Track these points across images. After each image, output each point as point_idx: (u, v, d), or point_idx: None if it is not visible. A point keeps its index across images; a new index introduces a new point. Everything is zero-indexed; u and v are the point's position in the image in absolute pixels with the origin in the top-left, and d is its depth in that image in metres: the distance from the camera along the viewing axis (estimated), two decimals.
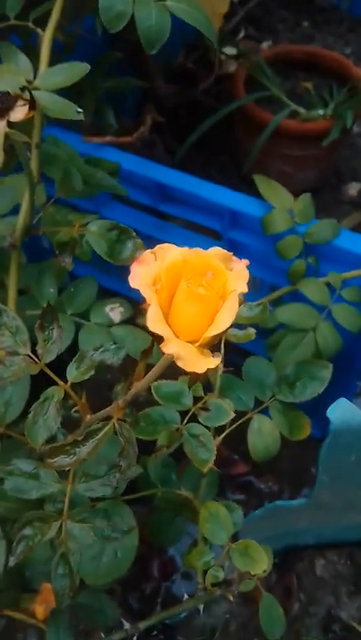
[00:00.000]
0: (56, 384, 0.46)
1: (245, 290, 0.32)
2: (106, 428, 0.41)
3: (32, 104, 0.42)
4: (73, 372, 0.46)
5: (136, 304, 0.69)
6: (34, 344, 0.46)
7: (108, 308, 0.66)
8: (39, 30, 0.58)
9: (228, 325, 0.31)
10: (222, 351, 0.59)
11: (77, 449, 0.41)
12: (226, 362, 0.62)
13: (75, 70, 0.49)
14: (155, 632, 0.76)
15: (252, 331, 0.60)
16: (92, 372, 0.46)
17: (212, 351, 0.33)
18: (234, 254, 0.34)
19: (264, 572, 0.55)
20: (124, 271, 0.54)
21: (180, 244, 0.84)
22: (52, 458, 0.41)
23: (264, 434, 0.63)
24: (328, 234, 0.71)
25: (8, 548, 0.53)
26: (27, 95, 0.44)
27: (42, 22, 0.59)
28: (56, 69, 0.51)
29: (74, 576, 0.47)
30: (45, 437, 0.44)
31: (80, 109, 0.47)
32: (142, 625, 0.61)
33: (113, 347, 0.47)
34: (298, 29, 1.31)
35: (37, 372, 0.45)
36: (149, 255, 0.33)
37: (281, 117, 0.93)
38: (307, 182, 1.04)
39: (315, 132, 0.95)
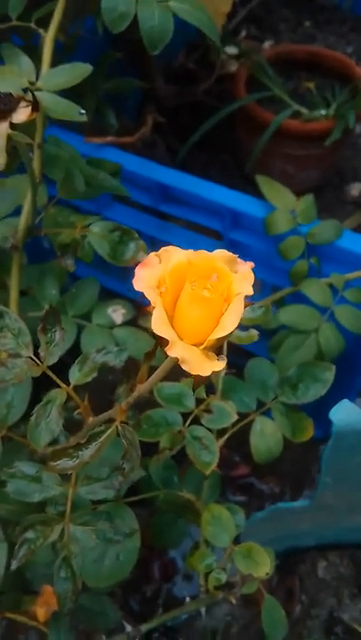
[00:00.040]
0: (58, 386, 0.45)
1: (251, 292, 0.32)
2: (109, 431, 0.41)
3: (35, 105, 0.42)
4: (75, 375, 0.46)
5: (138, 305, 0.69)
6: (36, 346, 0.45)
7: (110, 310, 0.66)
8: (41, 31, 0.58)
9: (233, 328, 0.31)
10: (225, 353, 0.58)
11: (80, 452, 0.41)
12: (228, 363, 0.61)
13: (77, 71, 0.49)
14: (156, 634, 0.76)
15: (254, 332, 0.60)
16: (95, 375, 0.46)
17: (217, 353, 0.33)
18: (235, 254, 0.34)
19: (267, 574, 0.55)
20: (126, 272, 0.54)
21: (181, 244, 0.84)
22: (54, 461, 0.41)
23: (266, 435, 0.63)
24: (330, 234, 0.71)
25: (10, 550, 0.53)
26: (29, 96, 0.44)
27: (43, 23, 0.59)
28: (58, 70, 0.51)
29: (76, 579, 0.47)
30: (48, 440, 0.44)
31: (83, 111, 0.47)
32: (144, 627, 0.61)
33: (115, 349, 0.47)
34: (300, 29, 1.30)
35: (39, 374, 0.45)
36: (153, 258, 0.33)
37: (283, 117, 0.93)
38: (309, 182, 1.04)
39: (317, 132, 0.95)
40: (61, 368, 0.46)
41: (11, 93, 0.42)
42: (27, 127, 0.44)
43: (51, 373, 0.45)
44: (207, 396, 0.61)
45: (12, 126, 0.42)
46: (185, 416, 0.60)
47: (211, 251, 0.34)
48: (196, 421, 0.59)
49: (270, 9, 1.31)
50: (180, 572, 0.86)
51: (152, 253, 0.33)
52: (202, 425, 0.59)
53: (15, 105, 0.42)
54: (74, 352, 0.56)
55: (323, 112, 0.97)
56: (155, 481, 0.63)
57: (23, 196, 0.58)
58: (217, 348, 0.33)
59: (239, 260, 0.34)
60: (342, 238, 0.71)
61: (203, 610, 0.75)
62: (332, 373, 0.62)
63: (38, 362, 0.44)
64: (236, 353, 0.64)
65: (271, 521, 0.65)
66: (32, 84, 0.49)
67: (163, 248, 0.33)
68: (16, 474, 0.49)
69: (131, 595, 0.82)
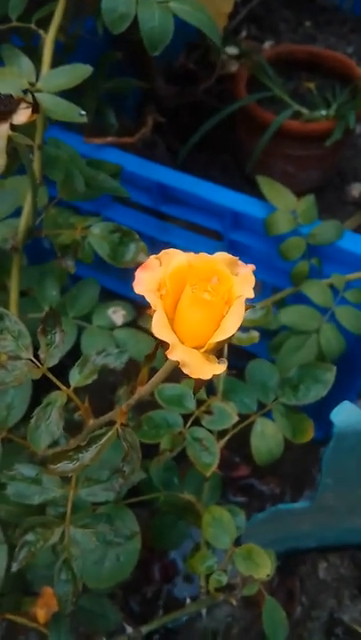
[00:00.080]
0: (58, 388, 0.45)
1: (252, 295, 0.32)
2: (109, 434, 0.40)
3: (35, 107, 0.42)
4: (76, 377, 0.46)
5: (138, 306, 0.69)
6: (36, 348, 0.45)
7: (110, 311, 0.66)
8: (41, 32, 0.58)
9: (234, 331, 0.31)
10: (226, 354, 0.58)
11: (80, 454, 0.40)
12: (229, 364, 0.61)
13: (77, 72, 0.49)
14: (156, 636, 0.76)
15: (255, 334, 0.60)
16: (95, 377, 0.46)
17: (217, 356, 0.33)
18: (235, 255, 0.34)
19: (267, 576, 0.55)
20: (127, 273, 0.54)
21: (181, 245, 0.84)
22: (54, 464, 0.41)
23: (267, 437, 0.63)
24: (331, 235, 0.71)
25: (10, 552, 0.52)
26: (29, 98, 0.43)
27: (44, 24, 0.59)
28: (58, 71, 0.51)
29: (77, 582, 0.47)
30: (48, 442, 0.44)
31: (83, 112, 0.47)
32: (144, 629, 0.61)
33: (116, 351, 0.47)
34: (300, 29, 1.30)
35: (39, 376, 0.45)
36: (154, 261, 0.33)
37: (283, 118, 0.93)
38: (309, 183, 1.04)
39: (317, 133, 0.95)
40: (62, 370, 0.46)
41: (11, 95, 0.42)
42: (27, 128, 0.44)
43: (51, 375, 0.45)
44: (208, 397, 0.61)
45: (13, 128, 0.42)
46: (186, 417, 0.60)
47: (211, 251, 0.34)
48: (197, 423, 0.59)
49: (271, 9, 1.31)
50: (180, 573, 0.86)
51: (152, 256, 0.33)
52: (202, 426, 0.59)
53: (15, 106, 0.42)
54: (74, 353, 0.56)
55: (323, 112, 0.96)
56: (155, 482, 0.63)
57: (23, 197, 0.58)
58: (217, 351, 0.33)
59: (240, 262, 0.34)
60: (343, 239, 0.71)
61: (203, 611, 0.75)
62: (332, 374, 0.62)
63: (38, 364, 0.44)
64: (236, 354, 0.63)
65: (272, 522, 0.65)
66: (32, 85, 0.49)
67: (163, 251, 0.33)
68: (16, 476, 0.49)
69: (131, 596, 0.82)
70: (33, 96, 0.45)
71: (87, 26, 0.80)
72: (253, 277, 0.33)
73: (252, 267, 0.33)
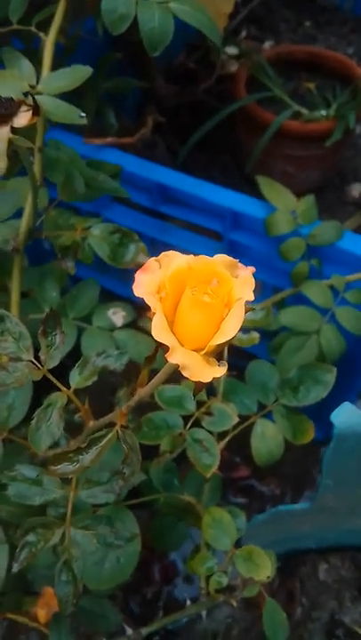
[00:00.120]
0: (59, 389, 0.45)
1: (251, 298, 0.32)
2: (109, 436, 0.40)
3: (35, 110, 0.42)
4: (76, 378, 0.46)
5: (138, 307, 0.69)
6: (37, 349, 0.45)
7: (110, 312, 0.66)
8: (42, 34, 0.58)
9: (234, 334, 0.31)
10: (226, 355, 0.58)
11: (81, 456, 0.40)
12: (229, 365, 0.61)
13: (77, 74, 0.49)
14: (157, 637, 0.76)
15: (255, 335, 0.60)
16: (95, 378, 0.46)
17: (217, 358, 0.33)
18: (235, 256, 0.34)
19: (268, 577, 0.55)
20: (126, 273, 0.54)
21: (181, 245, 0.84)
22: (55, 465, 0.41)
23: (267, 438, 0.63)
24: (331, 236, 0.71)
25: (11, 552, 0.53)
26: (30, 100, 0.43)
27: (44, 26, 0.59)
28: (59, 73, 0.51)
29: (77, 583, 0.47)
30: (48, 444, 0.44)
31: (83, 114, 0.47)
32: (144, 630, 0.61)
33: (116, 352, 0.47)
34: (300, 29, 1.30)
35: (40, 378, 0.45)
36: (154, 263, 0.33)
37: (283, 118, 0.93)
38: (309, 183, 1.04)
39: (317, 133, 0.95)
40: (62, 371, 0.46)
41: (12, 98, 0.42)
42: (27, 131, 0.44)
43: (51, 377, 0.45)
44: (208, 398, 0.61)
45: (13, 130, 0.42)
46: (186, 419, 0.60)
47: (211, 251, 0.34)
48: (197, 424, 0.59)
49: (271, 9, 1.31)
50: (180, 574, 0.86)
51: (152, 258, 0.33)
52: (203, 427, 0.59)
53: (16, 109, 0.42)
54: (74, 355, 0.56)
55: (323, 113, 0.97)
56: (155, 484, 0.63)
57: (24, 198, 0.58)
58: (218, 353, 0.33)
59: (240, 264, 0.34)
60: (343, 239, 0.71)
61: (203, 612, 0.75)
62: (333, 375, 0.62)
63: (39, 365, 0.44)
64: (236, 355, 0.64)
65: (272, 523, 0.65)
66: (32, 87, 0.49)
67: (163, 253, 0.33)
68: (17, 477, 0.49)
69: (131, 597, 0.82)
70: (33, 99, 0.45)
71: (87, 26, 0.80)
72: (253, 280, 0.33)
73: (251, 269, 0.33)
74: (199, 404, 0.60)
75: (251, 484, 0.93)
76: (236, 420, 0.60)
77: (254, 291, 0.32)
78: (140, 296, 0.31)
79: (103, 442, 0.40)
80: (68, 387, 0.46)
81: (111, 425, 0.42)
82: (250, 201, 0.75)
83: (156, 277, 0.32)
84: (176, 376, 0.34)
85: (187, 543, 0.67)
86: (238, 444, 0.64)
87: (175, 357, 0.30)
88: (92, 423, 0.46)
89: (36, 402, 0.52)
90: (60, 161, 0.60)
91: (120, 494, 0.50)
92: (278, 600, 0.61)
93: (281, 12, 1.32)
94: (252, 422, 0.64)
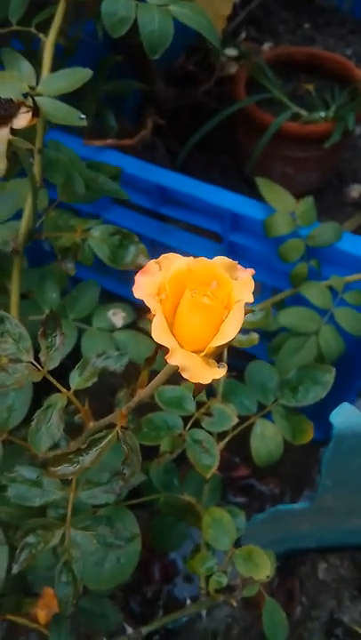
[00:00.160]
0: (59, 390, 0.45)
1: (251, 300, 0.32)
2: (109, 437, 0.41)
3: (35, 111, 0.42)
4: (76, 380, 0.46)
5: (138, 308, 0.69)
6: (36, 351, 0.45)
7: (110, 313, 0.66)
8: (41, 36, 0.58)
9: (233, 336, 0.31)
10: (225, 356, 0.59)
11: (81, 457, 0.41)
12: (228, 366, 0.61)
13: (77, 76, 0.49)
14: (157, 636, 0.76)
15: (255, 336, 0.60)
16: (95, 379, 0.46)
17: (217, 360, 0.33)
18: (234, 257, 0.34)
19: (267, 577, 0.55)
20: (126, 274, 0.54)
21: (180, 246, 0.84)
22: (55, 466, 0.41)
23: (267, 438, 0.63)
24: (330, 237, 0.71)
25: (11, 553, 0.53)
26: (29, 102, 0.44)
27: (44, 27, 0.59)
28: (58, 75, 0.51)
29: (77, 583, 0.47)
30: (48, 445, 0.44)
31: (83, 115, 0.47)
32: (144, 630, 0.61)
33: (116, 353, 0.47)
34: (299, 31, 1.30)
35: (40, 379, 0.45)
36: (153, 265, 0.33)
37: (282, 119, 0.93)
38: (308, 184, 1.04)
39: (316, 134, 0.95)
40: (62, 372, 0.46)
41: (11, 99, 0.42)
42: (27, 132, 0.45)
43: (51, 378, 0.45)
44: (208, 399, 0.61)
45: (13, 132, 0.43)
46: (185, 419, 0.60)
47: (210, 252, 0.34)
48: (197, 425, 0.59)
49: (270, 11, 1.31)
50: (180, 573, 0.86)
51: (152, 261, 0.33)
52: (202, 428, 0.59)
53: (16, 110, 0.42)
54: (74, 356, 0.57)
55: (322, 114, 0.97)
56: (155, 484, 0.63)
57: (24, 199, 0.58)
58: (217, 354, 0.33)
59: (239, 266, 0.34)
60: (342, 240, 0.71)
61: (203, 612, 0.75)
62: (332, 376, 0.62)
63: (39, 367, 0.45)
64: (236, 355, 0.64)
65: (271, 523, 0.66)
66: (32, 88, 0.49)
67: (163, 255, 0.33)
68: (17, 478, 0.49)
69: (131, 596, 0.83)
70: (33, 100, 0.45)
71: (87, 28, 0.80)
72: (253, 282, 0.33)
73: (251, 271, 0.33)
74: (199, 405, 0.60)
75: (250, 483, 0.94)
76: (236, 420, 0.60)
77: (254, 292, 0.33)
78: (140, 298, 0.32)
79: (103, 443, 0.41)
80: (68, 388, 0.46)
81: (111, 426, 0.42)
82: (249, 202, 0.75)
83: (155, 279, 0.32)
84: (176, 377, 0.35)
85: (187, 543, 0.67)
86: (238, 444, 0.64)
87: (175, 359, 0.30)
88: (92, 424, 0.46)
89: (35, 403, 0.52)
90: (60, 162, 0.60)
91: (120, 495, 0.50)
92: (278, 599, 0.61)
93: (280, 13, 1.32)
94: (252, 423, 0.64)
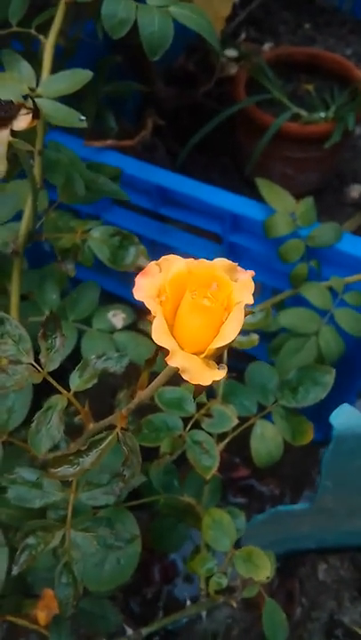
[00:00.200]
0: (59, 392, 0.45)
1: (251, 302, 0.32)
2: (109, 438, 0.41)
3: (35, 113, 0.42)
4: (76, 381, 0.46)
5: (138, 309, 0.69)
6: (37, 352, 0.45)
7: (110, 314, 0.66)
8: (41, 37, 0.58)
9: (233, 337, 0.31)
10: (225, 357, 0.59)
11: (81, 459, 0.41)
12: (228, 367, 0.61)
13: (77, 77, 0.49)
14: (157, 638, 0.76)
15: (255, 337, 0.60)
16: (95, 381, 0.46)
17: (217, 361, 0.33)
18: (234, 258, 0.34)
19: (267, 578, 0.55)
20: (127, 275, 0.54)
21: (181, 247, 0.84)
22: (55, 468, 0.41)
23: (267, 439, 0.63)
24: (330, 237, 0.71)
25: (11, 555, 0.53)
26: (29, 103, 0.44)
27: (44, 29, 0.59)
28: (59, 76, 0.51)
29: (77, 585, 0.47)
30: (49, 446, 0.44)
31: (83, 117, 0.47)
32: (144, 631, 0.61)
33: (116, 355, 0.47)
34: (299, 31, 1.30)
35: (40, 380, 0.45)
36: (154, 267, 0.33)
37: (282, 120, 0.93)
38: (308, 185, 1.04)
39: (316, 135, 0.95)
40: (62, 374, 0.46)
41: (11, 101, 0.42)
42: (27, 133, 0.44)
43: (51, 380, 0.45)
44: (208, 400, 0.61)
45: (13, 134, 0.42)
46: (185, 420, 0.60)
47: (210, 253, 0.34)
48: (197, 426, 0.59)
49: (270, 11, 1.31)
50: (180, 573, 0.86)
51: (152, 262, 0.33)
52: (202, 429, 0.59)
53: (16, 112, 0.42)
54: (74, 357, 0.57)
55: (322, 114, 0.97)
56: (155, 485, 0.63)
57: (24, 201, 0.58)
58: (217, 356, 0.33)
59: (239, 268, 0.34)
60: (342, 241, 0.71)
61: (203, 613, 0.75)
62: (332, 377, 0.62)
63: (39, 368, 0.45)
64: (236, 356, 0.64)
65: (271, 524, 0.66)
66: (32, 90, 0.49)
67: (163, 257, 0.33)
68: (17, 480, 0.49)
69: (131, 597, 0.83)
70: (33, 102, 0.45)
71: (87, 29, 0.80)
72: (253, 283, 0.33)
73: (251, 273, 0.33)
74: (199, 406, 0.60)
75: (250, 484, 0.94)
76: (236, 421, 0.60)
77: (254, 293, 0.33)
78: (141, 300, 0.32)
79: (103, 444, 0.41)
80: (68, 389, 0.46)
81: (111, 427, 0.42)
82: (249, 203, 0.75)
83: (156, 281, 0.33)
84: (176, 378, 0.35)
85: (187, 543, 0.67)
86: (238, 445, 0.64)
87: (175, 361, 0.31)
88: (92, 426, 0.46)
89: (35, 404, 0.52)
90: (61, 163, 0.60)
91: (120, 496, 0.50)
92: (278, 600, 0.61)
93: (280, 13, 1.32)
94: (252, 423, 0.64)
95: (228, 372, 0.61)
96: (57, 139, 0.65)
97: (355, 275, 0.70)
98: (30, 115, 0.43)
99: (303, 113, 0.98)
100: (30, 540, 0.47)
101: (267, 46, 1.24)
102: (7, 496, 0.48)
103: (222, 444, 0.62)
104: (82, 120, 0.47)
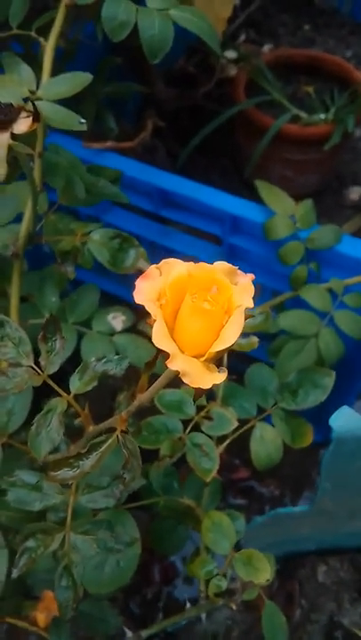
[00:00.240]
0: (59, 394, 0.45)
1: (251, 305, 0.32)
2: (109, 441, 0.41)
3: (36, 116, 0.42)
4: (76, 384, 0.46)
5: (138, 311, 0.69)
6: (36, 354, 0.45)
7: (110, 317, 0.66)
8: (41, 40, 0.58)
9: (233, 341, 0.31)
10: (225, 360, 0.59)
11: (81, 462, 0.41)
12: (228, 369, 0.61)
13: (77, 80, 0.49)
14: (156, 639, 0.76)
15: (255, 339, 0.60)
16: (95, 384, 0.46)
17: (217, 364, 0.33)
18: (234, 259, 0.34)
19: (267, 580, 0.55)
20: (127, 277, 0.54)
21: (181, 249, 0.84)
22: (55, 471, 0.41)
23: (267, 442, 0.63)
24: (330, 239, 0.71)
25: (11, 557, 0.53)
26: (29, 106, 0.44)
27: (44, 31, 0.59)
28: (59, 79, 0.51)
29: (77, 588, 0.47)
30: (48, 449, 0.44)
31: (83, 120, 0.47)
32: (144, 633, 0.61)
33: (116, 357, 0.47)
34: (299, 33, 1.30)
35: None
36: (154, 270, 0.33)
37: (282, 122, 0.93)
38: (308, 186, 1.04)
39: (316, 137, 0.95)
40: (62, 376, 0.46)
41: (11, 104, 0.42)
42: (27, 136, 0.45)
43: (51, 382, 0.45)
44: (207, 402, 0.61)
45: (13, 137, 0.43)
46: (185, 423, 0.60)
47: (210, 255, 0.34)
48: (197, 428, 0.59)
49: (269, 13, 1.32)
50: (180, 574, 0.86)
51: (152, 266, 0.33)
52: (202, 432, 0.59)
53: (16, 115, 0.42)
54: (74, 359, 0.57)
55: (322, 116, 0.97)
56: (155, 487, 0.63)
57: (24, 203, 0.58)
58: (217, 359, 0.33)
59: (239, 271, 0.34)
60: (342, 243, 0.71)
61: (203, 615, 0.75)
62: (331, 379, 0.62)
63: (39, 371, 0.45)
64: (236, 358, 0.64)
65: (271, 526, 0.66)
66: (32, 93, 0.49)
67: (163, 260, 0.33)
68: (16, 482, 0.49)
69: (131, 598, 0.83)
70: (33, 105, 0.45)
71: (87, 30, 0.80)
72: (253, 287, 0.33)
73: (251, 276, 0.33)
74: (199, 409, 0.60)
75: (250, 485, 0.94)
76: (236, 424, 0.60)
77: (254, 296, 0.33)
78: (141, 303, 0.32)
79: (103, 447, 0.41)
80: (68, 392, 0.46)
81: (111, 430, 0.42)
82: (249, 205, 0.75)
83: (156, 285, 0.33)
84: (176, 380, 0.35)
85: (187, 544, 0.67)
86: (238, 446, 0.64)
87: (175, 364, 0.31)
88: (92, 428, 0.46)
89: (35, 407, 0.52)
90: (60, 166, 0.60)
91: (120, 498, 0.50)
92: (277, 602, 0.61)
93: (279, 15, 1.32)
94: (252, 426, 0.64)
95: (228, 374, 0.61)
96: (57, 141, 0.65)
97: (354, 277, 0.70)
98: (30, 118, 0.43)
99: (303, 115, 0.98)
100: (30, 543, 0.47)
101: (266, 48, 1.24)
102: (7, 498, 0.48)
103: (222, 447, 0.62)
104: (82, 123, 0.47)
